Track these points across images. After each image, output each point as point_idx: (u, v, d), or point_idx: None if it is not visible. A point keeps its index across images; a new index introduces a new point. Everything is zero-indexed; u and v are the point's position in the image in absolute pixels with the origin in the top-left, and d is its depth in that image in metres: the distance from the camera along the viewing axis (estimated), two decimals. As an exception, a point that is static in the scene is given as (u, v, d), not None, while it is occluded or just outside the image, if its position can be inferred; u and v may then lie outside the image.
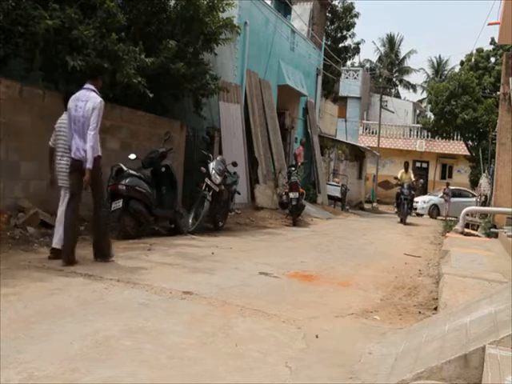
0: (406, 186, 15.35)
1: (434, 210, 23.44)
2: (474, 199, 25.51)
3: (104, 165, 8.51)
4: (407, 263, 7.49)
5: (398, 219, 15.72)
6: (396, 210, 16.30)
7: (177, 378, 2.78)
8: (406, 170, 16.03)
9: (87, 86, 5.63)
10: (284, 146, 16.43)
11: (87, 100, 5.50)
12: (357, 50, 31.16)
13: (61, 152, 5.82)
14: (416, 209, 22.25)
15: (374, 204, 26.73)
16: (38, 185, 7.76)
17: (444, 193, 23.89)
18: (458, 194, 23.95)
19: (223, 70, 12.65)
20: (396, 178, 16.41)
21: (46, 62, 7.98)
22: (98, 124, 5.47)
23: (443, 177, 33.37)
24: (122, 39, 8.12)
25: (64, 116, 5.83)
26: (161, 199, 8.12)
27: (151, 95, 8.48)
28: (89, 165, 5.35)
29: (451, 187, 23.68)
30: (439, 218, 22.19)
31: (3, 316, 3.46)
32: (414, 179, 16.01)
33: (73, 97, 5.59)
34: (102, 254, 5.63)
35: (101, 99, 5.59)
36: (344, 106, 32.14)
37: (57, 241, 5.55)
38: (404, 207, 15.20)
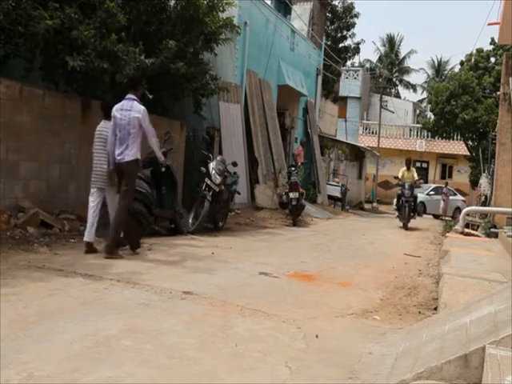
0: (407, 185, 13.42)
1: (421, 208, 22.81)
2: (460, 197, 25.36)
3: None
4: (407, 263, 7.49)
5: (400, 224, 13.70)
6: (397, 213, 14.33)
7: (177, 378, 2.78)
8: (409, 168, 14.07)
9: (129, 96, 6.17)
10: (284, 146, 16.43)
11: (130, 109, 6.05)
12: (357, 50, 31.18)
13: (102, 156, 6.26)
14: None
15: (374, 204, 26.75)
16: (38, 185, 7.77)
17: (442, 192, 23.86)
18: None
19: (223, 70, 12.65)
20: (396, 177, 14.45)
21: (46, 61, 7.98)
22: (151, 130, 6.23)
23: (443, 177, 33.38)
24: (122, 40, 8.13)
25: (102, 123, 6.37)
26: (161, 199, 8.12)
27: (151, 96, 8.48)
28: (162, 158, 6.75)
29: (434, 185, 23.23)
30: (425, 216, 22.11)
31: (3, 316, 3.46)
32: (417, 178, 14.09)
33: (116, 106, 6.13)
34: (134, 244, 6.27)
35: (144, 107, 6.15)
36: (344, 106, 32.15)
37: (89, 235, 6.08)
38: (405, 210, 13.29)
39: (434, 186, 25.82)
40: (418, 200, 17.71)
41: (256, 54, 14.43)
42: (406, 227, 13.33)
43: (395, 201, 14.42)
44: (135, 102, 6.14)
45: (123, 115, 6.03)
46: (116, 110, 6.10)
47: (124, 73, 7.87)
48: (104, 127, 6.34)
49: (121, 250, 6.10)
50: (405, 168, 14.16)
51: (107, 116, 6.32)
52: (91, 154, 8.01)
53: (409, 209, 13.34)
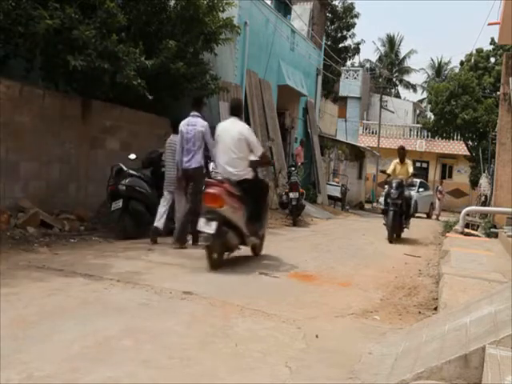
0: (394, 183, 9.89)
1: (414, 207, 22.27)
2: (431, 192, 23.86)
3: (104, 165, 8.58)
4: (407, 263, 7.48)
5: (386, 234, 9.92)
6: (384, 220, 10.41)
7: (177, 378, 2.78)
8: (402, 160, 10.57)
9: (193, 113, 7.25)
10: (284, 146, 16.43)
11: (195, 124, 7.13)
12: (357, 50, 31.22)
13: (172, 164, 7.36)
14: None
15: (374, 204, 26.73)
16: (38, 185, 7.77)
17: (437, 190, 23.46)
18: (424, 186, 23.17)
19: (223, 70, 12.65)
20: (384, 171, 11.10)
21: (46, 61, 7.99)
22: (211, 142, 6.97)
23: (443, 177, 33.38)
24: (122, 40, 8.13)
25: (172, 137, 7.54)
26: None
27: (151, 97, 8.49)
28: (203, 173, 7.25)
29: (417, 180, 20.82)
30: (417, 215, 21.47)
31: (3, 316, 3.46)
32: (412, 173, 10.53)
33: (183, 122, 7.19)
34: (182, 241, 6.98)
35: (206, 123, 7.32)
36: (344, 106, 32.15)
37: (159, 222, 7.18)
38: (390, 217, 9.66)
39: (418, 181, 22.55)
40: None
41: (256, 54, 14.43)
42: (390, 238, 9.67)
43: (382, 200, 10.94)
44: (199, 118, 7.23)
45: (189, 130, 7.10)
46: (183, 125, 7.14)
47: (124, 73, 7.88)
48: (173, 140, 7.40)
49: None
50: (397, 160, 10.62)
51: (176, 131, 7.37)
52: (91, 154, 8.06)
53: (395, 215, 9.67)
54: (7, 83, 7.17)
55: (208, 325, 3.70)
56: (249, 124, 13.51)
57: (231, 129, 6.25)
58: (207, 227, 5.63)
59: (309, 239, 9.76)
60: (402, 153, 10.66)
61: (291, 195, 12.00)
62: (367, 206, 25.56)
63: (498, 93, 17.08)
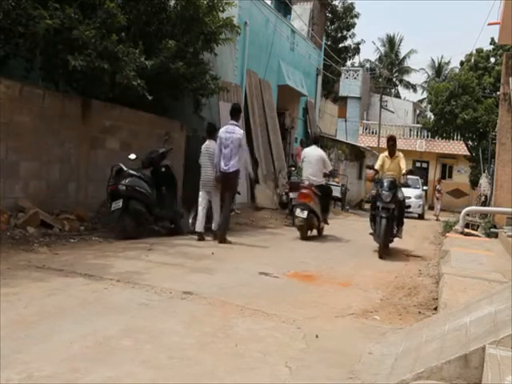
0: (386, 183, 7.97)
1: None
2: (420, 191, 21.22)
3: (104, 165, 8.59)
4: (407, 263, 7.49)
5: (375, 245, 8.09)
6: (371, 229, 8.45)
7: (177, 378, 2.78)
8: (392, 153, 8.59)
9: (231, 122, 8.08)
10: (284, 146, 16.43)
11: (233, 132, 7.90)
12: (357, 50, 31.23)
13: (208, 167, 8.15)
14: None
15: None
16: (38, 185, 7.77)
17: (436, 190, 23.15)
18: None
19: (223, 70, 12.64)
20: (371, 167, 9.17)
21: (46, 61, 7.99)
22: (245, 149, 8.28)
23: (443, 177, 33.37)
24: (122, 40, 8.13)
25: (208, 142, 8.32)
26: (161, 199, 8.12)
27: (150, 97, 8.49)
28: (251, 174, 8.76)
29: (413, 177, 19.68)
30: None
31: (3, 316, 3.46)
32: (406, 169, 8.53)
33: (222, 129, 8.04)
34: (223, 240, 7.82)
35: (243, 131, 8.27)
36: (344, 106, 32.15)
37: (199, 226, 7.99)
38: (381, 226, 7.75)
39: (414, 178, 21.10)
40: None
41: (256, 54, 14.43)
42: (381, 253, 7.72)
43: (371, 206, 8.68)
44: (236, 126, 8.03)
45: (227, 136, 7.86)
46: (222, 132, 7.96)
47: (124, 73, 7.88)
48: (210, 145, 8.23)
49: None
50: (386, 153, 8.73)
51: (211, 136, 8.29)
52: (91, 154, 8.06)
53: (388, 224, 7.80)
54: (7, 83, 7.17)
55: (208, 325, 3.70)
56: (248, 124, 13.57)
57: (313, 153, 9.55)
58: (301, 213, 8.86)
59: (308, 239, 9.74)
60: (391, 144, 8.66)
61: (291, 195, 11.99)
62: (367, 206, 25.52)
63: (498, 93, 17.08)
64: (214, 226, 8.16)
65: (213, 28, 10.03)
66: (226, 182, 7.95)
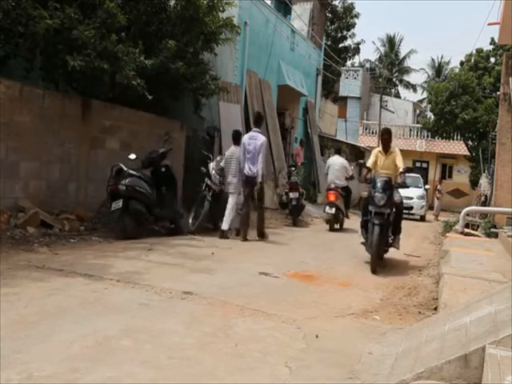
0: (379, 183, 6.84)
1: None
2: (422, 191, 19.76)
3: (104, 165, 8.59)
4: (407, 263, 7.49)
5: (367, 255, 6.99)
6: (362, 236, 7.33)
7: (177, 378, 2.78)
8: (387, 149, 7.35)
9: (255, 129, 8.82)
10: (284, 146, 16.43)
11: (256, 139, 8.54)
12: (357, 50, 31.21)
13: (233, 172, 8.80)
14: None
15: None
16: (38, 185, 7.77)
17: (436, 190, 22.97)
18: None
19: (223, 70, 12.64)
20: (363, 164, 8.33)
21: (46, 61, 7.99)
22: (264, 154, 8.63)
23: (443, 177, 33.35)
24: (122, 40, 8.13)
25: (232, 148, 8.97)
26: (161, 199, 8.12)
27: (150, 97, 8.48)
28: (259, 179, 8.55)
29: (414, 174, 18.72)
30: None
31: (3, 316, 3.46)
32: (403, 167, 7.19)
33: (246, 135, 8.80)
34: (262, 235, 8.84)
35: (265, 138, 8.89)
36: (344, 106, 32.15)
37: (224, 225, 8.52)
38: (373, 234, 6.59)
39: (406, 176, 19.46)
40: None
41: (256, 54, 14.43)
42: (373, 266, 6.51)
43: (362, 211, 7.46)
44: (259, 134, 8.68)
45: (250, 142, 8.52)
46: (245, 139, 8.66)
47: (123, 73, 7.87)
48: (235, 151, 8.88)
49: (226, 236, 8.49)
50: (379, 148, 7.49)
51: (236, 142, 8.93)
52: (91, 154, 8.06)
53: (381, 232, 6.63)
54: (7, 83, 7.17)
55: (208, 325, 3.70)
56: (248, 124, 13.56)
57: (337, 161, 11.90)
58: (330, 210, 11.06)
59: (309, 239, 9.76)
60: (386, 138, 7.42)
61: (291, 195, 12.01)
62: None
63: (498, 93, 17.07)
64: (224, 225, 8.50)
65: (213, 28, 10.02)
66: (251, 185, 8.61)
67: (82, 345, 3.12)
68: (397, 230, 7.26)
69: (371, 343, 3.57)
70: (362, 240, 7.20)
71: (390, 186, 6.84)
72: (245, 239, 8.41)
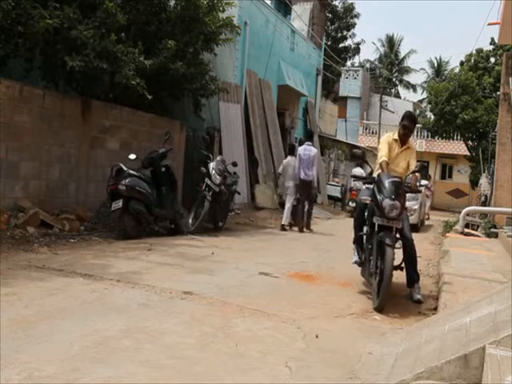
0: (390, 185, 4.86)
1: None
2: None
3: (104, 165, 8.59)
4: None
5: (363, 280, 5.57)
6: (355, 256, 5.59)
7: (177, 378, 2.78)
8: (405, 140, 5.47)
9: (308, 143, 10.98)
10: (284, 146, 16.43)
11: (310, 151, 10.70)
12: (357, 50, 31.29)
13: (290, 177, 10.89)
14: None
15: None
16: (38, 185, 7.77)
17: (426, 187, 21.91)
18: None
19: (223, 70, 12.65)
20: (360, 155, 6.26)
21: (46, 61, 7.99)
22: (318, 163, 11.33)
23: (443, 177, 33.38)
24: (122, 40, 8.12)
25: (289, 158, 11.28)
26: (161, 199, 8.12)
27: (150, 97, 8.48)
28: (315, 184, 11.23)
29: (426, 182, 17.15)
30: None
31: (3, 316, 3.46)
32: (415, 166, 5.26)
33: (301, 148, 10.89)
34: (309, 227, 10.99)
35: (317, 150, 11.49)
36: (344, 106, 32.16)
37: (285, 220, 10.66)
38: (385, 261, 4.56)
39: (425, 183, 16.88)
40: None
41: (256, 54, 14.43)
42: (382, 305, 4.55)
43: (355, 222, 5.71)
44: (312, 146, 10.95)
45: (306, 154, 10.63)
46: (301, 150, 10.74)
47: (123, 73, 7.87)
48: (290, 160, 11.07)
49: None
50: (395, 136, 5.50)
51: (292, 153, 11.27)
52: (91, 154, 8.07)
53: (393, 254, 4.73)
54: (7, 83, 7.17)
55: (208, 325, 3.70)
56: (248, 124, 13.57)
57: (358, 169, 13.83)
58: (353, 204, 12.36)
59: (309, 239, 9.75)
60: (409, 127, 5.43)
61: (291, 195, 12.00)
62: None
63: (498, 93, 17.07)
64: (284, 220, 10.63)
65: (213, 28, 10.02)
66: (305, 187, 10.71)
67: (82, 345, 3.11)
68: (412, 257, 5.08)
69: (371, 343, 3.57)
70: (355, 259, 5.56)
71: (403, 191, 5.00)
72: (301, 231, 10.57)
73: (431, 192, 21.00)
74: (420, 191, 6.50)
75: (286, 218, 10.67)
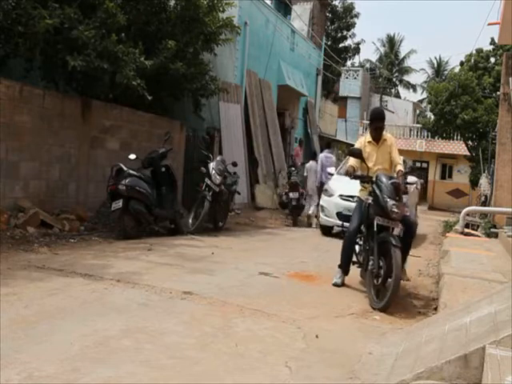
0: (389, 184, 4.87)
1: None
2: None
3: (104, 165, 8.59)
4: (407, 263, 7.47)
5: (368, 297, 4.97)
6: (338, 278, 5.43)
7: (177, 378, 2.78)
8: (378, 137, 5.46)
9: (327, 150, 12.76)
10: (284, 146, 16.44)
11: (331, 157, 12.45)
12: (357, 50, 31.26)
13: (312, 179, 12.36)
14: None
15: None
16: (38, 185, 7.77)
17: (416, 186, 22.10)
18: None
19: (223, 70, 12.65)
20: (356, 152, 5.31)
21: (46, 61, 7.99)
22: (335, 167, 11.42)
23: (443, 177, 33.35)
24: (122, 40, 8.12)
25: (311, 162, 12.79)
26: (161, 199, 8.11)
27: (150, 97, 8.48)
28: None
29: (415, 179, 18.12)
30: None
31: (3, 316, 3.46)
32: (402, 164, 5.34)
33: (322, 154, 12.61)
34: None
35: (334, 157, 13.08)
36: (344, 106, 32.15)
37: (310, 212, 12.18)
38: (395, 262, 4.54)
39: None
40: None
41: (256, 54, 14.43)
42: (388, 305, 4.55)
43: (346, 237, 5.54)
44: (331, 154, 12.72)
45: (327, 160, 12.17)
46: (322, 157, 12.39)
47: (123, 73, 7.87)
48: (312, 164, 12.58)
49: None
50: (368, 137, 5.56)
51: (313, 159, 13.03)
52: (91, 154, 8.06)
53: (399, 257, 4.64)
54: (7, 83, 7.17)
55: (208, 325, 3.70)
56: (248, 124, 13.57)
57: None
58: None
59: (309, 239, 9.75)
60: (378, 127, 5.46)
61: (291, 195, 12.02)
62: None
63: (498, 93, 17.07)
64: (310, 211, 12.14)
65: (213, 28, 10.02)
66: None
67: (81, 345, 3.11)
68: (405, 249, 5.10)
69: (371, 343, 3.57)
70: (338, 281, 5.41)
71: (398, 190, 4.94)
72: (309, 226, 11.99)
73: (417, 189, 20.93)
74: (407, 192, 5.87)
75: (309, 207, 12.34)
